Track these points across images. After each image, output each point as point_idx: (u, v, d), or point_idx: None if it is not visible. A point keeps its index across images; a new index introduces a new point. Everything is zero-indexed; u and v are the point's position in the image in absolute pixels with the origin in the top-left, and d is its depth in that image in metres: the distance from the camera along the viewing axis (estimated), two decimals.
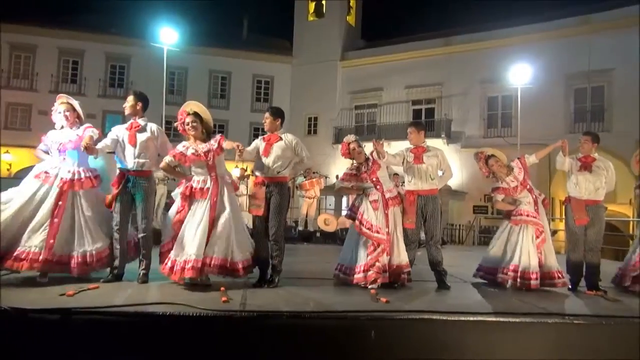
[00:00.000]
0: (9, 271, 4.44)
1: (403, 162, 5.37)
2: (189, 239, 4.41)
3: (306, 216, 11.93)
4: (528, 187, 5.46)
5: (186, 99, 22.03)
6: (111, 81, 23.61)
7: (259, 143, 4.88)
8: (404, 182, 6.00)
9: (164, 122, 14.29)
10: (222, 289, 4.17)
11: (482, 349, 3.46)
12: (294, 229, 11.87)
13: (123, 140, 4.68)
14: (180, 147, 4.68)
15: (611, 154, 13.07)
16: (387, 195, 5.11)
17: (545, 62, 17.83)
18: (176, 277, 4.34)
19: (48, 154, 4.80)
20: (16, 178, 18.69)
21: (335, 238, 10.94)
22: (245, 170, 6.23)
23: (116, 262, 4.67)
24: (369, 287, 4.72)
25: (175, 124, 4.82)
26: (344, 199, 16.91)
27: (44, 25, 22.49)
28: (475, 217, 16.30)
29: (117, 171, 4.75)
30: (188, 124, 4.67)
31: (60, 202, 4.50)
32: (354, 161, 5.36)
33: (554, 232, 11.65)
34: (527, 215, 5.29)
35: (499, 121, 20.18)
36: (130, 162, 4.66)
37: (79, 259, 4.46)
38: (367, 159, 5.27)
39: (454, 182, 18.18)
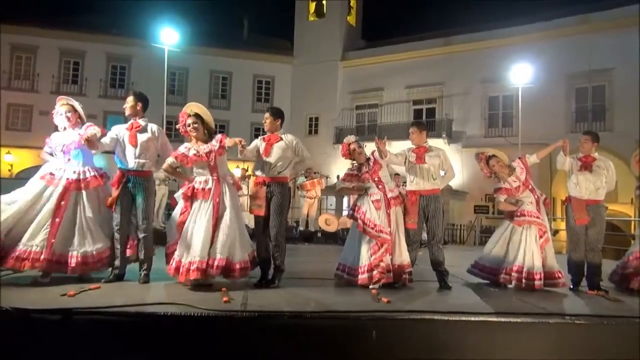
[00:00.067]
0: (11, 271, 4.45)
1: (405, 162, 5.38)
2: (193, 240, 4.42)
3: (307, 216, 11.94)
4: (530, 187, 5.45)
5: (187, 99, 22.19)
6: (112, 82, 23.62)
7: (259, 143, 4.89)
8: (405, 182, 6.00)
9: (164, 122, 14.31)
10: (223, 289, 4.17)
11: (483, 349, 3.45)
12: (295, 229, 11.87)
13: (123, 141, 4.69)
14: (182, 149, 4.68)
15: (612, 154, 13.07)
16: (389, 195, 5.11)
17: (546, 62, 17.81)
18: (182, 278, 4.35)
19: (53, 156, 4.82)
20: (17, 179, 18.76)
21: (336, 238, 10.94)
22: (247, 171, 6.25)
23: (117, 262, 4.68)
24: (371, 287, 4.72)
25: (177, 126, 4.83)
26: (345, 199, 16.92)
27: (45, 26, 22.51)
28: (476, 217, 16.31)
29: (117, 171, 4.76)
30: (189, 125, 4.68)
31: (62, 202, 4.51)
32: (355, 161, 5.36)
33: (555, 232, 11.66)
34: (530, 216, 5.28)
35: (500, 121, 20.16)
36: (131, 162, 4.67)
37: (80, 259, 4.46)
38: (368, 159, 5.27)
39: (455, 182, 18.15)
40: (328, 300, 4.12)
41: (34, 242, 4.33)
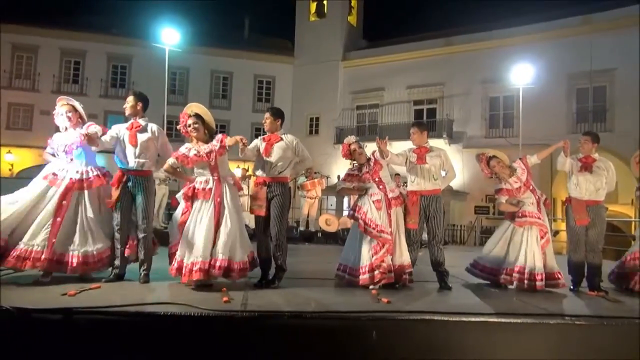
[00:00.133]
0: (13, 270, 4.45)
1: (406, 162, 5.37)
2: (195, 240, 4.42)
3: (307, 216, 11.95)
4: (531, 187, 5.45)
5: (188, 99, 22.22)
6: (113, 81, 23.63)
7: (259, 143, 4.89)
8: (405, 183, 6.00)
9: (165, 122, 14.32)
10: (223, 289, 4.17)
11: (483, 350, 3.45)
12: (296, 229, 11.88)
13: (123, 140, 4.70)
14: (182, 149, 4.69)
15: (613, 154, 13.07)
16: (390, 195, 5.11)
17: (547, 62, 17.81)
18: (185, 279, 4.35)
19: (55, 156, 4.82)
20: (18, 178, 18.76)
21: (337, 238, 10.95)
22: (247, 171, 6.26)
23: (117, 262, 4.68)
24: (371, 287, 4.72)
25: (178, 127, 4.84)
26: (345, 200, 16.91)
27: (46, 25, 22.54)
28: (477, 217, 16.30)
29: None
30: (190, 126, 4.68)
31: (64, 202, 4.52)
32: (355, 162, 5.36)
33: (555, 233, 11.65)
34: (532, 217, 5.28)
35: (501, 121, 20.15)
36: (131, 162, 4.67)
37: (80, 259, 4.46)
38: (368, 159, 5.27)
39: (456, 183, 18.14)
40: (328, 301, 4.12)
41: (35, 241, 4.33)
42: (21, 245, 4.30)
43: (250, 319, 3.39)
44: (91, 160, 4.80)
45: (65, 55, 23.20)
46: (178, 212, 4.70)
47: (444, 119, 20.84)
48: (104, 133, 4.72)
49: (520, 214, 5.30)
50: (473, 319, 3.57)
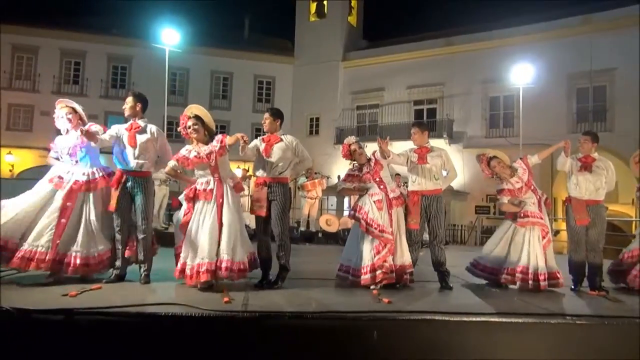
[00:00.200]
0: (16, 270, 4.45)
1: (407, 162, 5.38)
2: (199, 241, 4.41)
3: (308, 217, 11.95)
4: (532, 187, 5.45)
5: (188, 99, 22.25)
6: (113, 82, 23.62)
7: (258, 143, 4.89)
8: (406, 183, 6.00)
9: (165, 122, 14.32)
10: (224, 289, 4.17)
11: (484, 350, 3.45)
12: (296, 229, 11.87)
13: (123, 141, 4.70)
14: (183, 151, 4.69)
15: (613, 154, 13.06)
16: (391, 195, 5.11)
17: (547, 62, 17.80)
18: (192, 281, 4.33)
19: (59, 160, 4.83)
20: (19, 179, 18.76)
21: (337, 238, 10.95)
22: (248, 171, 6.26)
23: (118, 263, 4.68)
24: (372, 287, 4.71)
25: (178, 129, 4.84)
26: (346, 200, 16.91)
27: (46, 26, 22.54)
28: (477, 217, 16.29)
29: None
30: (189, 127, 4.67)
31: (69, 203, 4.53)
32: (356, 162, 5.36)
33: (556, 232, 11.65)
34: (534, 217, 5.27)
35: (501, 121, 20.14)
36: (130, 163, 4.68)
37: (82, 260, 4.47)
38: (369, 160, 5.27)
39: (456, 183, 18.15)
40: (329, 301, 4.12)
41: (39, 242, 4.35)
42: (25, 246, 4.32)
43: (251, 320, 3.39)
44: (96, 161, 4.81)
45: (66, 56, 23.20)
46: (181, 214, 4.70)
47: (444, 119, 20.83)
48: (104, 131, 4.73)
49: (522, 214, 5.30)
50: (474, 319, 3.57)
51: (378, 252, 4.85)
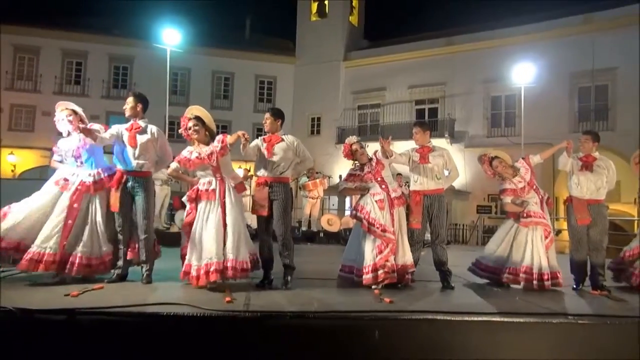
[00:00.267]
0: (21, 272, 4.45)
1: (409, 162, 5.37)
2: (206, 242, 4.40)
3: (309, 216, 11.95)
4: (534, 187, 5.44)
5: (189, 99, 22.25)
6: (114, 82, 23.64)
7: (259, 143, 4.89)
8: (407, 182, 5.99)
9: (167, 122, 14.32)
10: (225, 289, 4.17)
11: (486, 349, 3.45)
12: (298, 229, 11.87)
13: (123, 141, 4.70)
14: (184, 152, 4.70)
15: (615, 153, 13.04)
16: (392, 195, 5.10)
17: (549, 61, 17.76)
18: (201, 281, 4.30)
19: (63, 163, 4.84)
20: (21, 179, 18.79)
21: (339, 238, 10.95)
22: (249, 171, 6.25)
23: (120, 263, 4.69)
24: (374, 287, 4.71)
25: (180, 130, 4.84)
26: (347, 200, 16.91)
27: (47, 27, 22.55)
28: (479, 217, 16.27)
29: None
30: (190, 128, 4.67)
31: (75, 205, 4.55)
32: (357, 162, 5.36)
33: (558, 232, 11.63)
34: (537, 217, 5.27)
35: (503, 121, 20.12)
36: (130, 163, 4.68)
37: (85, 261, 4.50)
38: (370, 159, 5.26)
39: (458, 182, 18.14)
40: (331, 300, 4.12)
41: (48, 244, 4.38)
42: (34, 248, 4.34)
43: (253, 319, 3.39)
44: (100, 162, 4.82)
45: (67, 56, 23.23)
46: (184, 215, 4.72)
47: (445, 119, 20.81)
48: (105, 131, 4.74)
49: (525, 214, 5.29)
50: (476, 319, 3.57)
51: (380, 252, 4.84)
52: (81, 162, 4.74)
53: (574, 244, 5.50)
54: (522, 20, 19.83)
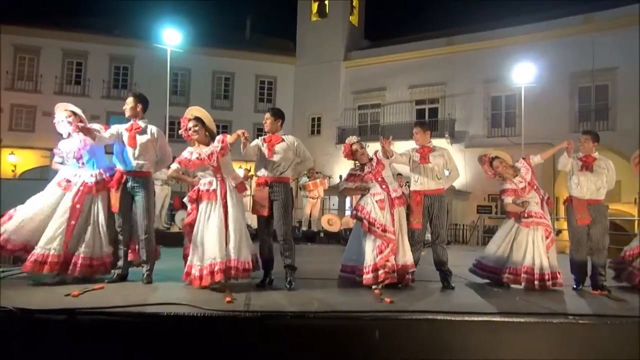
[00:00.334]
0: (25, 273, 4.45)
1: (409, 162, 5.37)
2: (209, 243, 4.40)
3: (310, 216, 11.95)
4: (535, 187, 5.44)
5: (189, 99, 22.24)
6: (115, 82, 23.65)
7: (259, 143, 4.89)
8: (407, 182, 5.99)
9: (167, 122, 14.31)
10: (226, 289, 4.17)
11: (486, 349, 3.45)
12: (298, 229, 11.88)
13: (123, 141, 4.70)
14: (185, 153, 4.69)
15: (615, 153, 13.04)
16: (393, 195, 5.10)
17: (549, 61, 17.75)
18: (205, 282, 4.30)
19: (64, 164, 4.85)
20: (21, 179, 18.79)
21: (339, 238, 10.94)
22: (249, 171, 6.25)
23: (120, 263, 4.70)
24: (374, 287, 4.71)
25: (180, 131, 4.84)
26: (347, 200, 16.92)
27: (48, 27, 22.56)
28: (479, 217, 16.27)
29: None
30: (190, 129, 4.67)
31: (78, 205, 4.56)
32: (357, 162, 5.36)
33: (558, 232, 11.63)
34: (538, 217, 5.27)
35: (503, 121, 20.11)
36: (130, 164, 4.69)
37: (87, 261, 4.52)
38: (370, 159, 5.26)
39: (458, 182, 18.13)
40: (331, 300, 4.12)
41: (52, 245, 4.39)
42: (38, 250, 4.35)
43: (253, 319, 3.39)
44: (102, 163, 4.83)
45: (68, 57, 23.23)
46: (185, 215, 4.72)
47: (445, 119, 20.81)
48: (105, 130, 4.74)
49: (526, 214, 5.29)
50: (476, 319, 3.57)
51: (380, 252, 4.84)
52: (83, 163, 4.74)
53: (574, 244, 5.50)
54: (522, 20, 19.82)
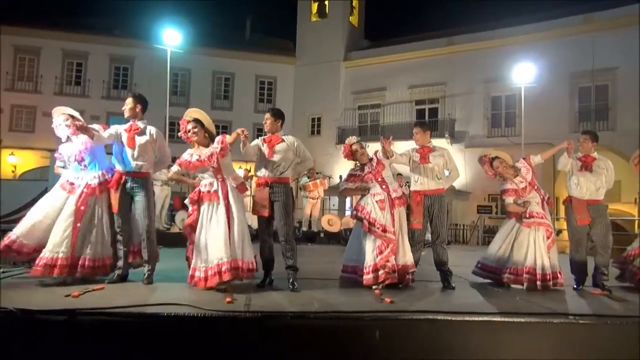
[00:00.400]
0: (40, 277, 4.46)
1: (409, 162, 5.37)
2: (213, 243, 4.39)
3: (310, 217, 11.95)
4: (536, 187, 5.44)
5: (189, 100, 22.23)
6: (115, 83, 23.66)
7: (259, 143, 4.89)
8: (407, 182, 5.99)
9: (167, 123, 14.31)
10: (228, 289, 4.17)
11: (487, 349, 3.45)
12: (298, 229, 11.88)
13: (122, 142, 4.70)
14: (185, 155, 4.69)
15: (616, 153, 13.05)
16: (393, 195, 5.10)
17: (549, 61, 17.76)
18: (212, 283, 4.28)
19: (66, 168, 4.86)
20: (21, 180, 18.79)
21: (339, 238, 10.95)
22: (249, 171, 6.26)
23: (120, 263, 4.70)
24: (374, 287, 4.71)
25: (179, 133, 4.84)
26: (348, 200, 16.92)
27: (48, 27, 22.57)
28: (479, 217, 16.27)
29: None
30: (189, 131, 4.67)
31: (82, 207, 4.58)
32: (358, 162, 5.36)
33: (558, 232, 11.62)
34: (539, 217, 5.27)
35: (503, 121, 20.12)
36: (129, 164, 4.69)
37: (91, 263, 4.54)
38: (371, 159, 5.26)
39: (458, 182, 18.13)
40: (331, 301, 4.12)
41: (60, 248, 4.42)
42: (47, 254, 4.38)
43: (254, 320, 3.39)
44: (103, 163, 4.83)
45: (68, 57, 23.24)
46: (185, 215, 4.73)
47: (446, 119, 20.81)
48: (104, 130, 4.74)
49: (527, 215, 5.29)
50: (477, 319, 3.57)
51: (380, 252, 4.84)
52: (85, 166, 4.75)
53: (574, 244, 5.50)
54: (522, 20, 19.83)
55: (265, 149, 4.81)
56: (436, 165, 5.27)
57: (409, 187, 5.70)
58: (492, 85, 19.99)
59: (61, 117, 4.82)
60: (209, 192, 4.56)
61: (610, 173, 5.46)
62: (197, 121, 4.69)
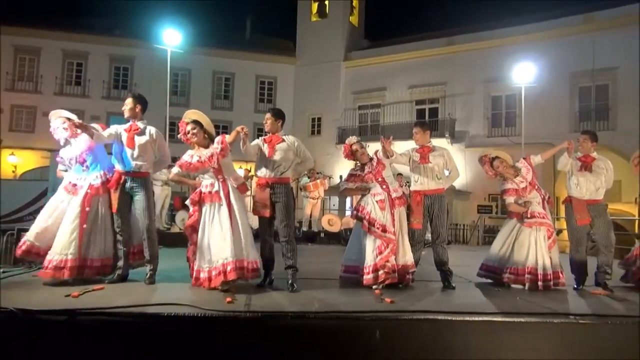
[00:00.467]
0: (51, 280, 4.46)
1: (409, 162, 5.37)
2: (217, 244, 4.39)
3: (310, 217, 11.95)
4: (536, 186, 5.44)
5: (190, 100, 22.23)
6: (115, 83, 23.66)
7: (260, 143, 4.89)
8: (407, 182, 5.99)
9: (167, 123, 14.31)
10: (232, 289, 4.17)
11: (487, 349, 3.45)
12: (298, 229, 11.87)
13: (121, 142, 4.70)
14: (185, 157, 4.68)
15: (616, 153, 13.05)
16: (393, 195, 5.10)
17: (550, 61, 17.74)
18: (216, 283, 4.28)
19: (68, 172, 4.88)
20: (21, 180, 18.79)
21: (339, 238, 10.94)
22: (250, 171, 6.26)
23: (120, 263, 4.70)
24: (374, 287, 4.71)
25: (179, 135, 4.85)
26: (348, 200, 16.92)
27: (48, 27, 22.58)
28: (480, 216, 16.26)
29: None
30: (189, 132, 4.66)
31: (87, 208, 4.60)
32: (358, 162, 5.36)
33: (559, 231, 11.62)
34: (540, 217, 5.27)
35: (503, 120, 20.12)
36: (128, 164, 4.69)
37: (98, 263, 4.58)
38: (371, 159, 5.26)
39: (458, 182, 18.13)
40: (332, 301, 4.12)
41: (68, 250, 4.44)
42: (56, 257, 4.39)
43: (254, 320, 3.40)
44: (105, 164, 4.84)
45: (68, 57, 23.25)
46: (186, 215, 4.73)
47: (446, 119, 20.81)
48: (103, 130, 4.75)
49: (529, 215, 5.29)
50: (477, 319, 3.57)
51: (380, 252, 4.84)
52: (87, 167, 4.76)
53: (574, 244, 5.50)
54: (522, 20, 19.82)
55: (265, 149, 4.81)
56: (436, 165, 5.26)
57: (409, 187, 5.70)
58: (492, 85, 19.98)
59: (59, 121, 4.82)
60: (210, 192, 4.56)
61: (610, 173, 5.46)
62: (196, 122, 4.68)
